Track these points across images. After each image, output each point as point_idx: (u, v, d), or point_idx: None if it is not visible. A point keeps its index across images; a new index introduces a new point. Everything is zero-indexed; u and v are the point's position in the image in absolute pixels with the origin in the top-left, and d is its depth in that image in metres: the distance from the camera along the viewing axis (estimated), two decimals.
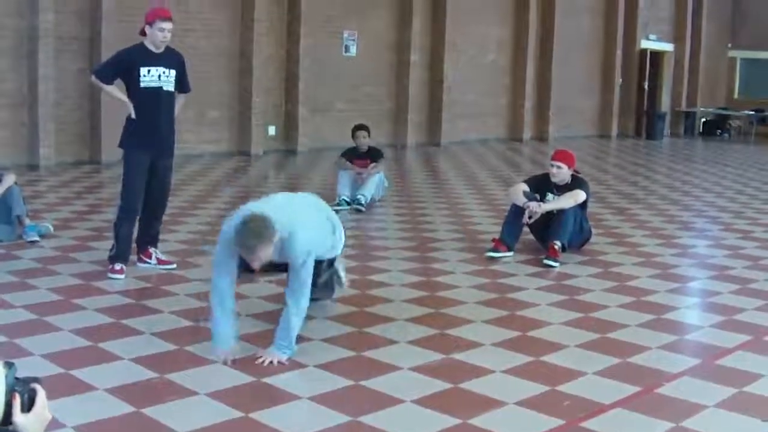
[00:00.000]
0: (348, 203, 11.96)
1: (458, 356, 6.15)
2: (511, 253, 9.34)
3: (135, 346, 6.12)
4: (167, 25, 8.05)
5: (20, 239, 9.27)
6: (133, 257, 8.42)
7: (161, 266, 8.43)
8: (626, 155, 23.24)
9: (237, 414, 5.00)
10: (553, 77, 25.79)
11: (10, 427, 2.38)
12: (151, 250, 8.51)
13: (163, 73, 8.16)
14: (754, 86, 32.45)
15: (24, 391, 2.42)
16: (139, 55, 8.13)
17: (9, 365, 2.38)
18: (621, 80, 28.47)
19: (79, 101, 16.01)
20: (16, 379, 2.40)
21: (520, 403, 5.27)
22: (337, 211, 11.47)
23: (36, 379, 2.47)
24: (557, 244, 9.12)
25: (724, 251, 10.19)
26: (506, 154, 21.78)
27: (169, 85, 8.24)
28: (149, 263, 8.43)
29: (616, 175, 18.17)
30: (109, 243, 8.69)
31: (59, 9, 15.37)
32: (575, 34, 26.46)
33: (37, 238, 9.29)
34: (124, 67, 8.17)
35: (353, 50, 21.02)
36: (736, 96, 32.94)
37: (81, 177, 14.55)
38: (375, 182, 12.45)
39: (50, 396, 4.94)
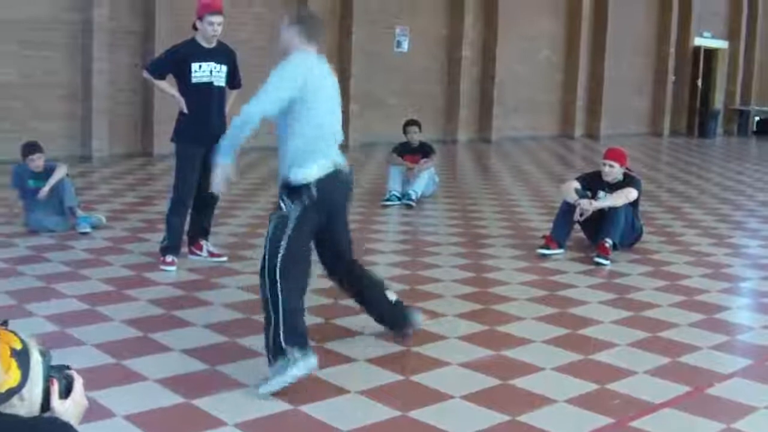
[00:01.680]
0: (399, 198, 11.97)
1: (508, 353, 6.13)
2: (562, 251, 9.30)
3: (186, 338, 6.16)
4: (217, 19, 8.05)
5: (73, 230, 9.37)
6: (185, 250, 8.48)
7: (212, 258, 8.48)
8: (678, 153, 23.05)
9: (287, 407, 5.02)
10: (606, 74, 25.64)
11: (48, 414, 2.40)
12: (202, 242, 8.56)
13: (215, 68, 8.19)
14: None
15: (62, 377, 2.43)
16: (191, 51, 8.16)
17: (44, 353, 2.40)
18: (674, 77, 28.24)
19: (132, 94, 16.18)
20: (51, 366, 2.42)
21: (569, 401, 5.25)
22: (387, 206, 11.65)
23: (67, 367, 2.48)
24: (608, 242, 9.06)
25: None
26: (557, 151, 21.68)
27: (221, 81, 8.27)
28: (200, 255, 8.49)
29: (668, 173, 18.02)
30: (160, 235, 8.75)
31: (113, 3, 15.53)
32: (628, 30, 26.28)
33: (89, 230, 9.39)
34: (176, 62, 8.20)
35: (405, 46, 21.03)
36: None
37: (133, 169, 14.68)
38: (426, 178, 12.45)
39: (100, 385, 5.04)
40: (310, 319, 6.63)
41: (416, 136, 12.91)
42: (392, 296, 6.26)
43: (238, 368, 5.60)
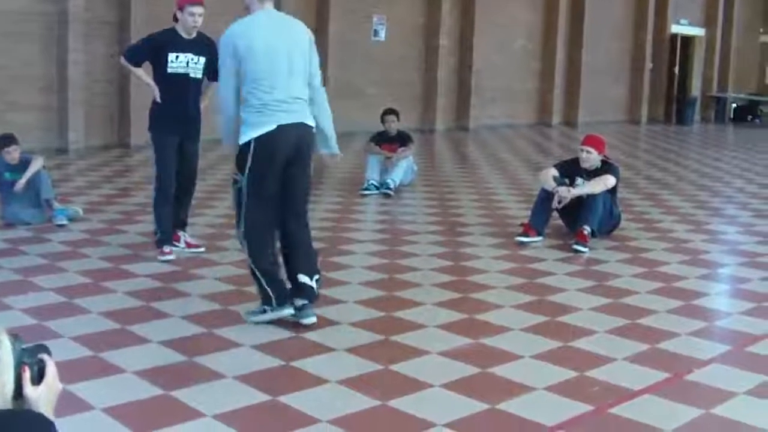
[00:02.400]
0: (377, 187, 11.95)
1: (487, 341, 6.13)
2: (540, 238, 9.31)
3: (164, 330, 6.14)
4: (198, 10, 7.99)
5: (49, 222, 9.32)
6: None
7: (189, 249, 8.44)
8: (656, 141, 23.12)
9: (265, 397, 5.01)
10: (583, 62, 25.69)
11: (21, 401, 2.35)
12: (180, 233, 8.50)
13: (192, 59, 8.13)
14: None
15: (33, 363, 2.38)
16: (169, 40, 8.09)
17: (15, 336, 2.35)
18: (651, 65, 28.32)
19: (108, 85, 16.09)
20: (23, 349, 2.37)
21: (548, 389, 5.25)
22: (365, 195, 11.64)
23: (43, 347, 2.42)
24: (586, 230, 9.08)
25: (755, 237, 10.12)
26: (535, 139, 21.72)
27: (197, 72, 8.20)
28: (178, 246, 8.40)
29: (646, 160, 18.07)
30: (137, 226, 8.73)
31: None
32: (605, 18, 26.34)
33: (65, 222, 9.34)
34: (153, 50, 8.15)
35: (382, 35, 21.01)
36: (767, 82, 32.68)
37: (110, 160, 14.62)
38: (404, 167, 12.44)
39: (78, 378, 5.01)
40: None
41: (394, 125, 12.89)
42: (305, 280, 6.29)
43: (217, 359, 5.57)
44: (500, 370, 5.55)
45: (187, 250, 8.43)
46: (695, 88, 30.36)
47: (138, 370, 5.32)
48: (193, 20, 8.01)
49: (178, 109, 8.12)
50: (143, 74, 8.42)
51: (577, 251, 8.90)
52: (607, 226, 9.59)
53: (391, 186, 11.99)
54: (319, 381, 5.29)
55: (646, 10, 27.73)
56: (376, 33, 20.87)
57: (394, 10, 21.05)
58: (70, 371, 5.24)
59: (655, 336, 6.33)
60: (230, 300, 6.83)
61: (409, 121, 19.60)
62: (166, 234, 8.21)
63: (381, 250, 8.78)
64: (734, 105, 31.14)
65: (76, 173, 13.16)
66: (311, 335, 6.11)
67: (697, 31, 30.21)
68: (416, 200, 11.93)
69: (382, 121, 12.99)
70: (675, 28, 29.08)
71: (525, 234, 9.29)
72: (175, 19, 8.12)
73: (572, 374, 5.51)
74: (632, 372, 5.59)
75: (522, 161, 16.84)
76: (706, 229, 10.59)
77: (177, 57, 8.06)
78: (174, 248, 8.32)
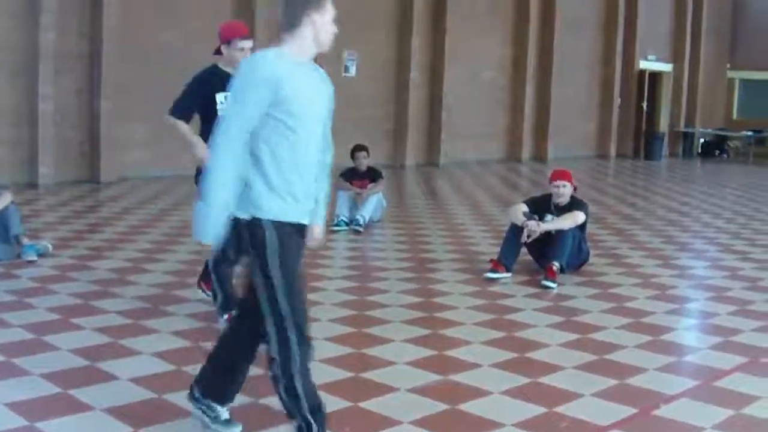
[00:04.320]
0: (347, 223, 11.97)
1: (456, 377, 6.15)
2: (509, 274, 9.34)
3: (133, 366, 6.11)
4: (248, 44, 7.20)
5: (18, 258, 9.27)
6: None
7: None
8: (625, 176, 23.27)
9: None
10: (553, 97, 25.84)
11: None
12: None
13: None
14: (752, 107, 32.51)
15: None
16: (215, 81, 7.19)
17: None
18: (620, 100, 28.53)
19: (79, 120, 16.03)
20: None
21: (518, 425, 5.27)
22: (335, 231, 11.64)
23: None
24: (555, 265, 9.13)
25: (722, 272, 10.20)
26: (505, 175, 21.80)
27: None
28: (208, 294, 7.59)
29: (615, 195, 18.17)
30: (107, 262, 8.69)
31: (60, 27, 15.40)
32: (574, 54, 26.53)
33: (35, 258, 9.29)
34: (202, 95, 7.23)
35: (353, 70, 21.08)
36: (734, 117, 32.99)
37: (80, 196, 14.57)
38: (374, 203, 12.46)
39: (47, 416, 4.98)
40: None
41: (364, 161, 12.93)
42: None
43: (186, 396, 5.55)
44: (469, 407, 5.57)
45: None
46: (663, 124, 30.59)
47: (106, 407, 5.30)
48: (242, 55, 7.05)
49: None
50: (189, 131, 7.29)
51: (546, 287, 8.94)
52: (576, 262, 9.64)
53: (361, 222, 12.01)
54: (286, 420, 5.28)
55: (614, 46, 27.98)
56: (346, 69, 20.94)
57: (364, 45, 21.12)
58: (38, 408, 5.23)
59: (623, 371, 6.37)
60: (200, 337, 6.82)
61: (379, 156, 19.65)
62: (228, 299, 7.17)
63: (351, 287, 8.79)
64: (702, 140, 31.41)
65: (46, 208, 13.11)
66: None
67: (665, 67, 30.49)
68: (386, 236, 11.95)
69: (352, 157, 13.02)
70: (643, 64, 29.33)
71: (494, 270, 9.33)
72: (218, 53, 7.40)
73: (541, 410, 5.53)
74: (601, 407, 5.62)
75: (492, 197, 16.91)
76: (675, 264, 10.67)
77: (226, 97, 6.89)
78: (206, 296, 7.67)
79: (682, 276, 10.07)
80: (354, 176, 12.86)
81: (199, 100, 7.20)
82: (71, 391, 5.56)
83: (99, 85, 15.96)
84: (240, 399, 5.53)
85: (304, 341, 4.60)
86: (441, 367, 6.35)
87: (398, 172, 20.84)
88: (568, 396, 5.82)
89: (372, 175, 12.90)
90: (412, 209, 14.80)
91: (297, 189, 4.59)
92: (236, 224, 4.58)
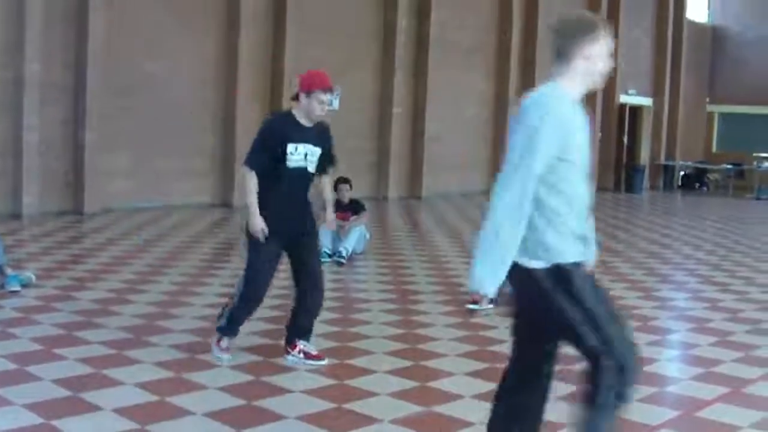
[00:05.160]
0: (329, 255, 11.97)
1: (439, 408, 6.16)
2: (491, 306, 9.37)
3: (116, 397, 6.11)
4: (328, 97, 7.03)
5: (2, 289, 9.25)
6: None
7: (309, 361, 7.14)
8: (606, 209, 23.36)
9: None
10: None
11: None
12: (299, 342, 7.25)
13: (310, 152, 7.03)
14: (731, 140, 32.80)
15: None
16: (288, 129, 6.98)
17: None
18: (600, 134, 28.69)
19: (63, 151, 16.03)
20: None
21: None
22: None
23: None
24: None
25: (703, 303, 10.26)
26: (488, 207, 21.80)
27: (312, 166, 7.10)
28: (295, 357, 7.16)
29: (596, 228, 18.14)
30: (90, 293, 8.67)
31: (45, 58, 15.43)
32: None
33: (18, 288, 9.28)
34: (275, 145, 6.94)
35: (336, 104, 21.14)
36: (714, 150, 33.24)
37: (64, 226, 14.56)
38: (356, 235, 12.48)
39: None
40: (240, 377, 6.64)
41: (347, 194, 12.97)
42: None
43: (169, 427, 5.56)
44: None
45: (306, 361, 7.15)
46: (644, 157, 30.78)
47: None
48: (321, 109, 6.98)
49: (292, 211, 7.04)
50: (254, 196, 6.96)
51: None
52: None
53: (344, 254, 12.03)
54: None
55: None
56: (330, 103, 20.96)
57: (347, 78, 21.20)
58: None
59: None
60: (182, 367, 6.82)
61: (362, 189, 19.69)
62: (234, 328, 7.21)
63: (333, 318, 8.80)
64: (682, 173, 31.63)
65: (30, 239, 13.09)
66: (262, 403, 6.11)
67: (645, 101, 30.71)
68: (369, 268, 11.98)
69: (335, 189, 13.02)
70: (623, 98, 29.53)
71: (476, 302, 9.35)
72: (295, 99, 7.12)
73: None
74: None
75: (474, 229, 16.91)
76: (656, 295, 10.73)
77: (296, 149, 6.95)
78: (291, 359, 7.18)
79: (664, 307, 10.13)
80: (337, 208, 12.80)
81: (272, 150, 6.92)
82: (54, 422, 5.55)
83: (84, 116, 15.99)
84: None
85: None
86: (424, 399, 6.36)
87: (381, 204, 20.88)
88: (552, 427, 5.82)
89: (354, 208, 12.94)
90: (394, 241, 14.83)
91: (576, 227, 4.45)
92: (523, 272, 4.41)
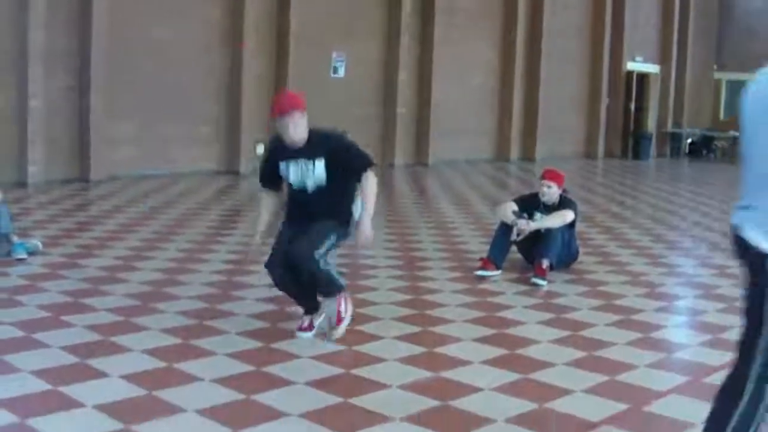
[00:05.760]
0: None
1: (447, 374, 6.15)
2: (499, 272, 9.36)
3: (123, 363, 6.10)
4: (285, 123, 6.68)
5: (9, 256, 9.24)
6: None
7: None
8: (613, 175, 23.33)
9: (225, 430, 5.00)
10: (541, 98, 25.89)
11: None
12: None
13: (305, 166, 6.79)
14: (739, 108, 32.67)
15: None
16: (279, 147, 6.89)
17: None
18: (608, 101, 28.61)
19: (69, 119, 15.99)
20: None
21: (508, 420, 5.28)
22: None
23: None
24: (545, 263, 9.14)
25: (711, 270, 10.24)
26: (494, 174, 21.84)
27: (320, 180, 6.81)
28: (308, 334, 6.97)
29: (604, 194, 18.22)
30: (97, 260, 8.65)
31: (49, 25, 15.36)
32: (562, 56, 26.58)
33: (25, 256, 9.27)
34: (272, 163, 6.97)
35: (341, 71, 21.08)
36: (721, 117, 33.11)
37: (70, 194, 14.55)
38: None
39: (38, 413, 4.99)
40: (248, 344, 6.64)
41: None
42: None
43: (177, 393, 5.56)
44: (460, 403, 5.57)
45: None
46: (651, 124, 30.69)
47: (98, 404, 5.29)
48: (287, 134, 6.72)
49: (304, 226, 6.81)
50: (265, 208, 7.16)
51: (535, 284, 8.96)
52: (566, 260, 9.66)
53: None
54: (280, 414, 5.28)
55: (602, 48, 28.04)
56: (335, 70, 20.93)
57: (353, 46, 21.13)
58: (29, 405, 5.22)
59: (613, 368, 6.39)
60: (190, 334, 6.81)
61: None
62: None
63: None
64: (689, 140, 31.53)
65: (36, 206, 13.09)
66: (271, 368, 6.10)
67: (653, 68, 30.58)
68: (376, 235, 11.92)
69: None
70: (630, 65, 29.41)
71: (484, 268, 9.34)
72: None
73: (532, 406, 5.54)
74: (591, 403, 5.64)
75: (481, 196, 16.93)
76: (663, 262, 10.70)
77: (287, 166, 6.82)
78: (302, 335, 6.97)
79: (671, 274, 10.11)
80: None
81: (273, 168, 6.93)
82: (61, 388, 5.55)
83: (88, 83, 15.94)
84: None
85: None
86: (432, 364, 6.35)
87: (387, 172, 20.84)
88: (559, 392, 5.83)
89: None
90: (401, 208, 14.81)
91: None
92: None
